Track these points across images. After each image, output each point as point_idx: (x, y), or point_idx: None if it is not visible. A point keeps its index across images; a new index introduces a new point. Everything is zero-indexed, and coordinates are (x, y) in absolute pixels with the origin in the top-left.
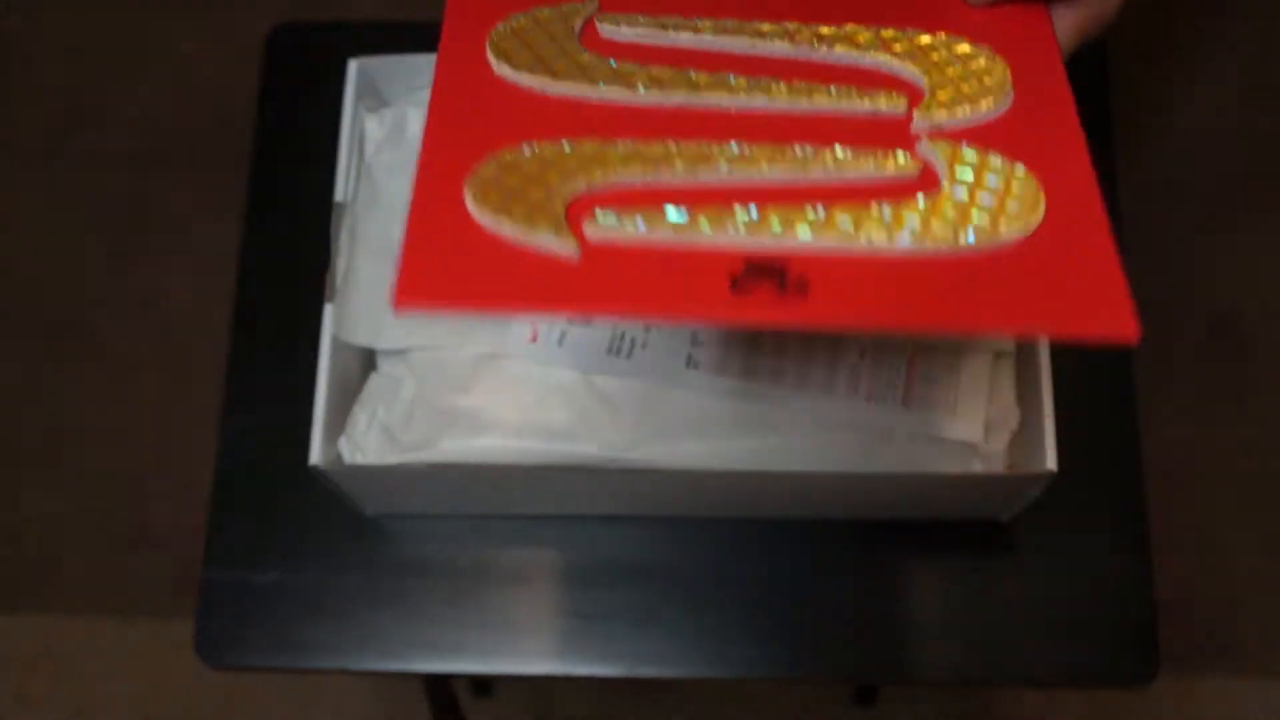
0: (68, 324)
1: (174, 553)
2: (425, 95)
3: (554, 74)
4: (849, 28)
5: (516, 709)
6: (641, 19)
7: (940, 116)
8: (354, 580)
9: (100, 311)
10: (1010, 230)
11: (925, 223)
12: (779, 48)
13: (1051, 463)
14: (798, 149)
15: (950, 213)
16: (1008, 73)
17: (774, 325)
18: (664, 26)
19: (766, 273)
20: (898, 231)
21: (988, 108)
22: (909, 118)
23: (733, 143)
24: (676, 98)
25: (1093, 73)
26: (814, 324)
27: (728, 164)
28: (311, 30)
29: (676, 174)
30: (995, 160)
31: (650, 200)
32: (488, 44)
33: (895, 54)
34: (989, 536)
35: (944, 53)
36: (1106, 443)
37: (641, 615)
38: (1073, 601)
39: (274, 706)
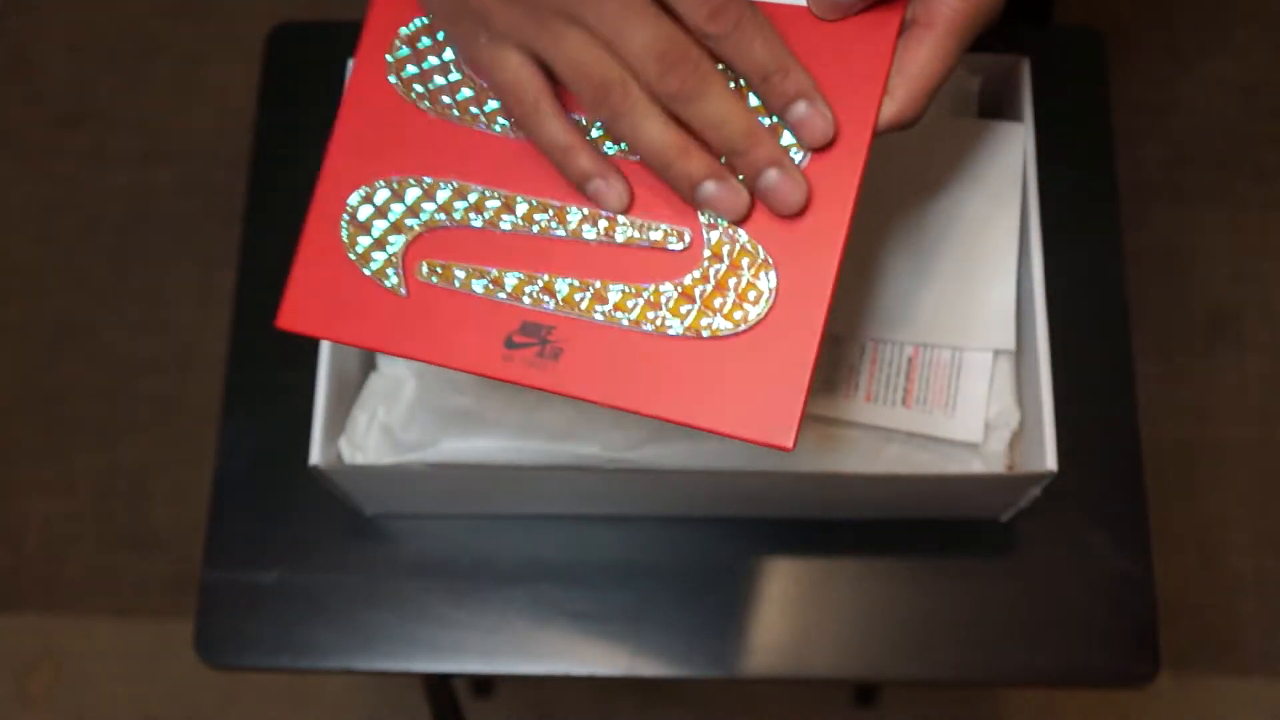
0: (68, 324)
1: (174, 553)
2: None
3: (439, 104)
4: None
5: (516, 709)
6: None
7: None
8: (354, 580)
9: (100, 311)
10: (739, 321)
11: (690, 317)
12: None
13: (1051, 463)
14: (604, 221)
15: (708, 301)
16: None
17: (526, 385)
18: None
19: (534, 335)
20: (660, 317)
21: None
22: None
23: (563, 210)
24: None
25: (1093, 73)
26: (555, 390)
27: (552, 228)
28: (311, 30)
29: (507, 226)
30: (749, 254)
31: (481, 250)
32: (388, 62)
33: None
34: (989, 536)
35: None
36: (1106, 443)
37: (641, 615)
38: (1073, 601)
39: (274, 706)
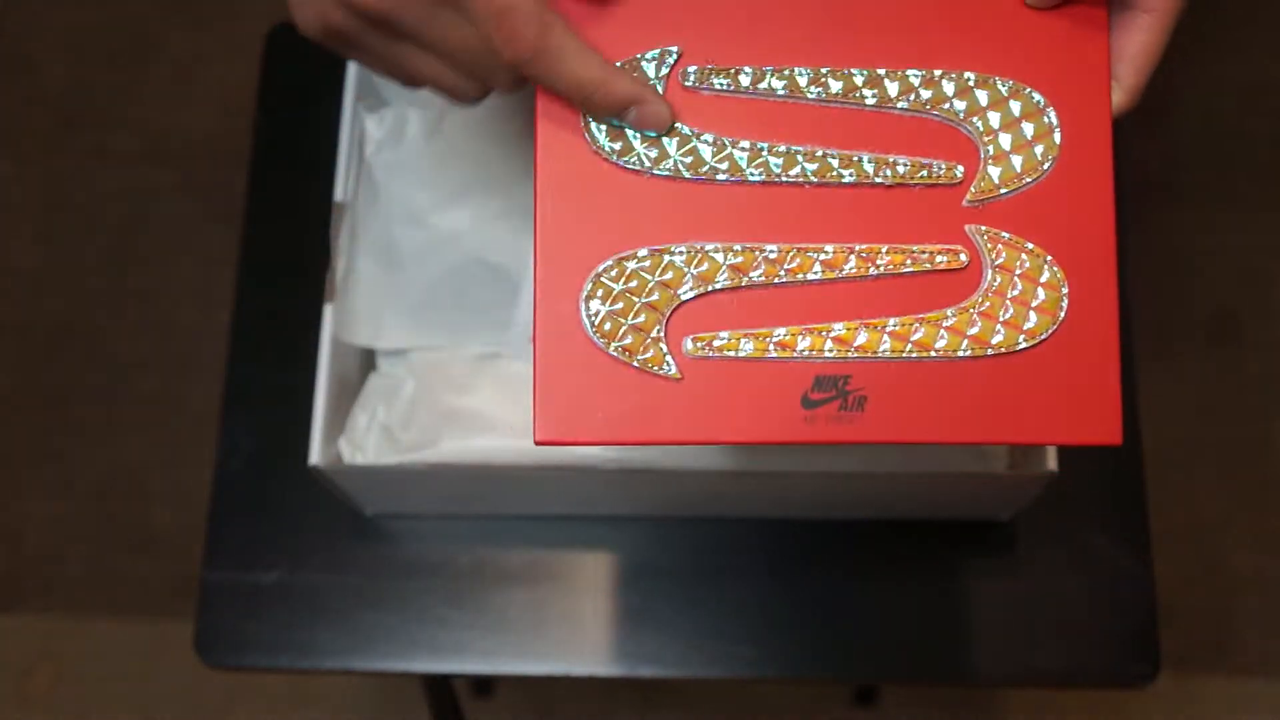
0: (68, 324)
1: (174, 553)
2: (425, 94)
3: (647, 159)
4: (911, 77)
5: (516, 709)
6: (721, 73)
7: (992, 184)
8: (354, 580)
9: (100, 311)
10: (1034, 331)
11: (979, 331)
12: (861, 94)
13: (1051, 463)
14: (867, 251)
15: (995, 317)
16: (1056, 122)
17: (840, 442)
18: (745, 77)
19: (832, 389)
20: (957, 342)
21: (1031, 176)
22: (964, 186)
23: (815, 250)
24: (759, 176)
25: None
26: (872, 440)
27: (812, 271)
28: None
29: (761, 279)
30: (1033, 255)
31: (741, 312)
32: (580, 123)
33: (951, 110)
34: (989, 536)
35: (1000, 98)
36: None
37: (641, 615)
38: (1073, 601)
39: (274, 706)
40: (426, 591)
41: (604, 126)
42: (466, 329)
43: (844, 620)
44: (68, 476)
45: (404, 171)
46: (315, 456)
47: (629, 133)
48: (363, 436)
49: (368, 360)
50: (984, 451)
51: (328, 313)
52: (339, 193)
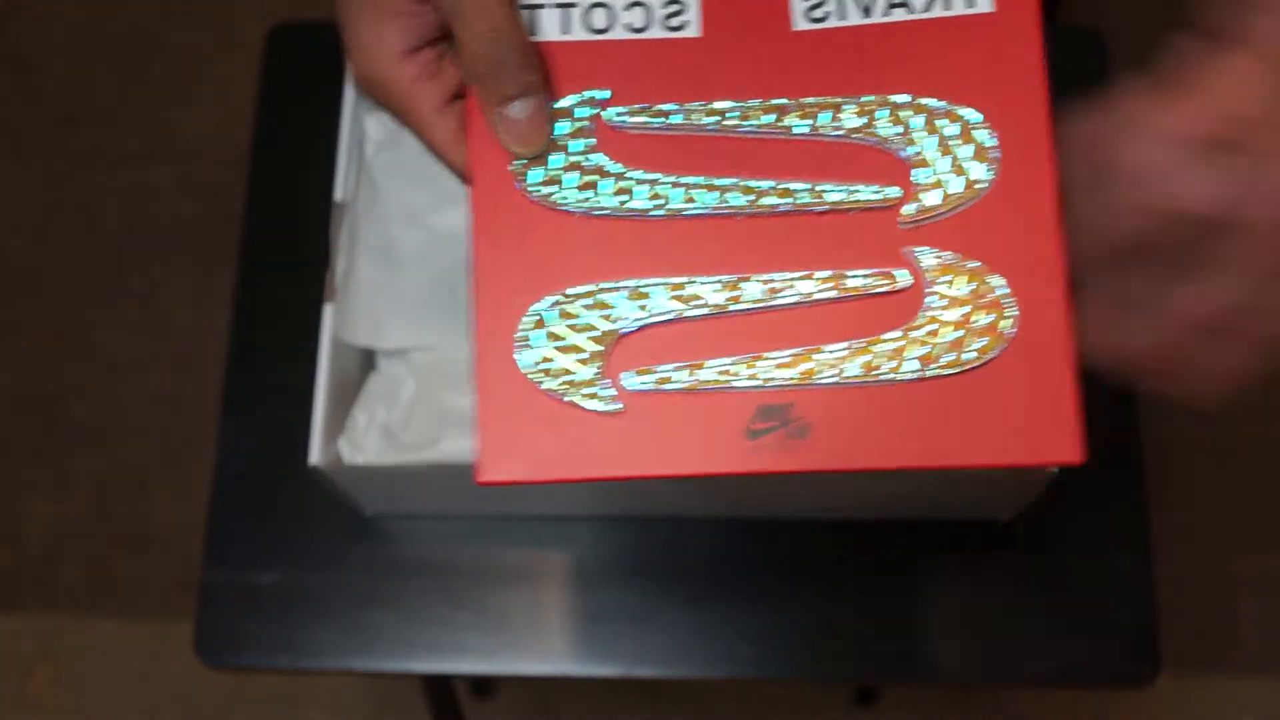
0: (68, 324)
1: (174, 553)
2: None
3: (580, 199)
4: (844, 103)
5: (516, 709)
6: (649, 111)
7: (926, 205)
8: (354, 580)
9: (100, 311)
10: (982, 349)
11: (924, 353)
12: (789, 125)
13: None
14: (804, 279)
15: (939, 338)
16: (996, 143)
17: (786, 472)
18: (673, 115)
19: (775, 418)
20: (899, 364)
21: (969, 196)
22: (898, 206)
23: (752, 281)
24: (692, 210)
25: (1093, 73)
26: (819, 469)
27: (750, 301)
28: (311, 30)
29: (701, 312)
30: (975, 274)
31: (681, 345)
32: (511, 168)
33: (883, 134)
34: (989, 536)
35: (933, 120)
36: (1106, 443)
37: (641, 615)
38: (1073, 601)
39: (274, 706)
40: (426, 591)
41: (535, 169)
42: (466, 329)
43: (844, 620)
44: (68, 476)
45: (404, 171)
46: (315, 456)
47: (559, 175)
48: (363, 436)
49: (368, 360)
50: None
51: (328, 313)
52: (339, 193)
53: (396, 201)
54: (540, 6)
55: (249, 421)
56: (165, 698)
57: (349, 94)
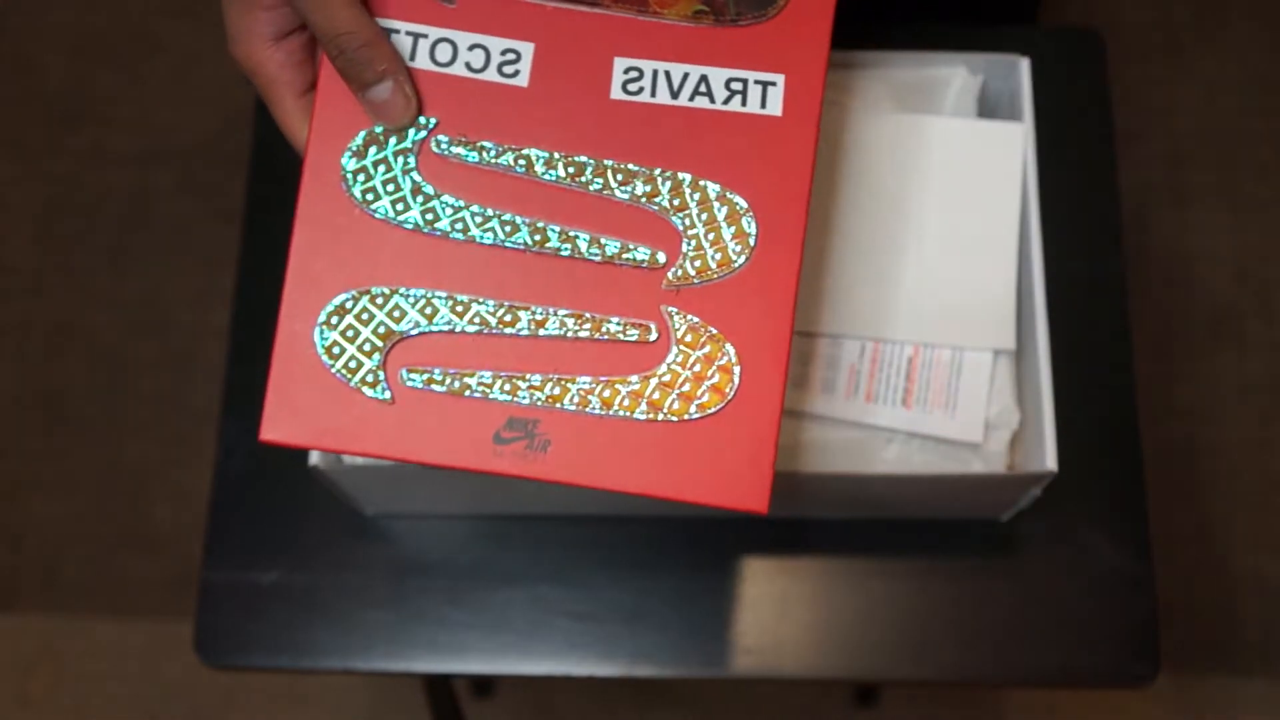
0: (68, 324)
1: (174, 553)
2: None
3: (393, 210)
4: (636, 170)
5: (516, 709)
6: (468, 144)
7: (688, 273)
8: (354, 580)
9: (100, 311)
10: (705, 405)
11: (656, 398)
12: (586, 180)
13: (1051, 463)
14: (570, 316)
15: (672, 388)
16: (756, 231)
17: (520, 477)
18: (488, 152)
19: (521, 430)
20: (635, 405)
21: (724, 271)
22: (664, 270)
23: (524, 309)
24: (487, 239)
25: (1093, 73)
26: (548, 479)
27: (519, 327)
28: None
29: (475, 328)
30: (713, 340)
31: (453, 353)
32: (340, 170)
33: (664, 204)
34: (989, 536)
35: (708, 200)
36: (1106, 443)
37: (640, 615)
38: (1073, 601)
39: (274, 706)
40: (426, 591)
41: (360, 176)
42: None
43: (844, 620)
44: (68, 476)
45: None
46: (315, 456)
47: (378, 186)
48: None
49: None
50: (983, 452)
51: None
52: None
53: None
54: (395, 31)
55: (249, 421)
56: (165, 698)
57: None
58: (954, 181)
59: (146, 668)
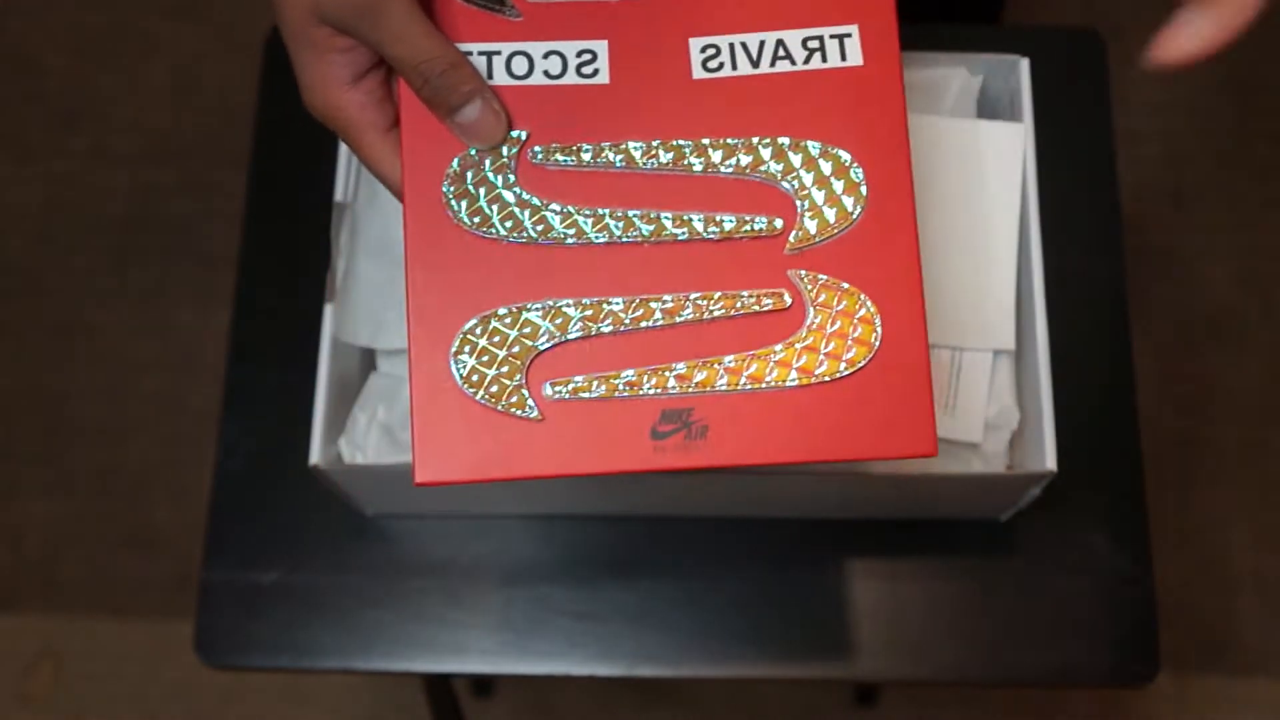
0: (68, 324)
1: (174, 553)
2: None
3: (503, 228)
4: (736, 144)
5: (516, 709)
6: (564, 150)
7: (809, 233)
8: (354, 580)
9: (100, 311)
10: (853, 360)
11: (805, 363)
12: (689, 163)
13: (1051, 463)
14: (702, 299)
15: (818, 349)
16: (862, 177)
17: (687, 469)
18: (585, 154)
19: (676, 421)
20: (785, 373)
21: (843, 224)
22: (784, 236)
23: (655, 300)
24: (603, 238)
25: (1093, 73)
26: (714, 465)
27: (654, 319)
28: None
29: (615, 328)
30: (848, 294)
31: (592, 358)
32: (441, 199)
33: (769, 172)
34: (989, 536)
35: (811, 159)
36: (1106, 443)
37: (641, 615)
38: (1073, 601)
39: (274, 706)
40: (426, 591)
41: (463, 201)
42: None
43: (844, 620)
44: (68, 476)
45: None
46: (315, 456)
47: (484, 206)
48: (363, 436)
49: (368, 360)
50: (983, 452)
51: (328, 313)
52: (339, 193)
53: (396, 201)
54: (468, 54)
55: (249, 421)
56: (165, 698)
57: None
58: (953, 181)
59: (146, 668)
